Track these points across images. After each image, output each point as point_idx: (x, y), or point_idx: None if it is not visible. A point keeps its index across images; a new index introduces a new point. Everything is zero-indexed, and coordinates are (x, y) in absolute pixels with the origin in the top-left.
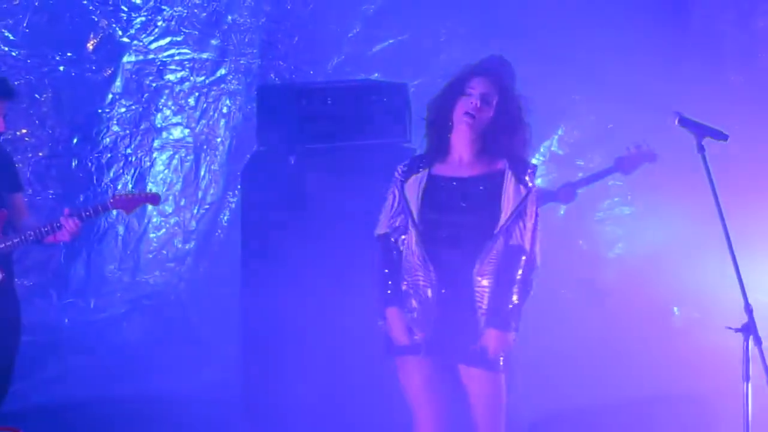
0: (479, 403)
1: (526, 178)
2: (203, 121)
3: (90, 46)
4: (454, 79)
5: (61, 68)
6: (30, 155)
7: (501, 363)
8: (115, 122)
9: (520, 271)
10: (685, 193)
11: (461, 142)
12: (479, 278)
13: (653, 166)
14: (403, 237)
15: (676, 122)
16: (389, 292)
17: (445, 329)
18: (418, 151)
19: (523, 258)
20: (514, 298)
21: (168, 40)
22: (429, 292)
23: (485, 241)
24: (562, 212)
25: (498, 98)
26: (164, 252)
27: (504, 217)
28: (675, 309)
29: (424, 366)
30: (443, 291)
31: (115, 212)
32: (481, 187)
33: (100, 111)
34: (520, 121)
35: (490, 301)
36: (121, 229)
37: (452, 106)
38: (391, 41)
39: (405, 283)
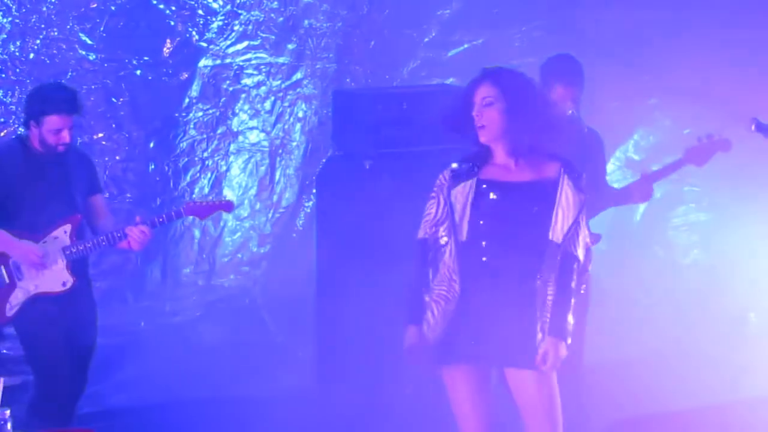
0: (534, 404)
1: (582, 184)
2: (279, 125)
3: (166, 50)
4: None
5: (138, 72)
6: (107, 159)
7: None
8: (191, 126)
9: (574, 281)
10: (762, 198)
11: (495, 149)
12: (539, 285)
13: (731, 173)
14: (441, 246)
15: (753, 128)
16: (417, 305)
17: (492, 336)
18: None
19: (576, 266)
20: (570, 307)
21: (245, 44)
22: (449, 305)
23: (542, 249)
24: (638, 218)
25: (503, 97)
26: (239, 256)
27: (564, 224)
28: (751, 315)
29: (469, 375)
30: (497, 297)
31: (190, 218)
32: (533, 193)
33: (176, 115)
34: (536, 113)
35: (552, 310)
36: (197, 233)
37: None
38: (466, 46)
39: (428, 295)
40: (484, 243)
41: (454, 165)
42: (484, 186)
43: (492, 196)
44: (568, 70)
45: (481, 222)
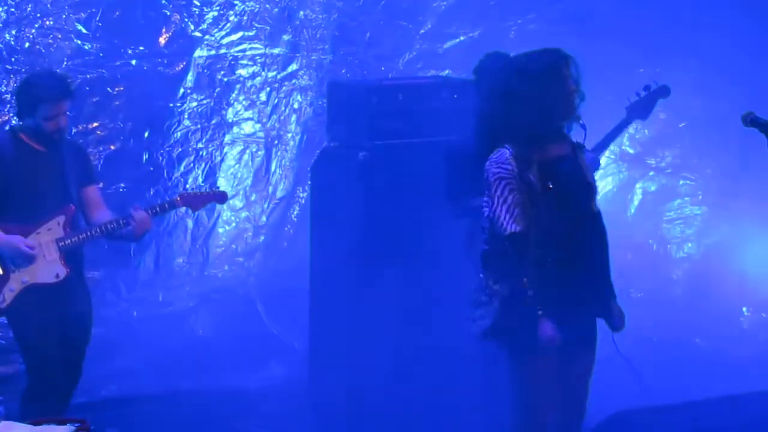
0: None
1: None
2: (274, 116)
3: (162, 40)
4: (563, 66)
5: (134, 62)
6: (101, 148)
7: None
8: (186, 116)
9: None
10: (757, 192)
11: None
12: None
13: (726, 167)
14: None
15: (747, 122)
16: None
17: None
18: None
19: None
20: None
21: (240, 35)
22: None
23: (600, 216)
24: (632, 211)
25: None
26: (233, 246)
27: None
28: (744, 309)
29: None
30: (582, 272)
31: (184, 209)
32: (576, 163)
33: (171, 105)
34: None
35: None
36: (190, 224)
37: (570, 93)
38: (462, 38)
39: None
40: (570, 218)
41: (509, 148)
42: (549, 163)
43: (560, 171)
44: None
45: (561, 198)
